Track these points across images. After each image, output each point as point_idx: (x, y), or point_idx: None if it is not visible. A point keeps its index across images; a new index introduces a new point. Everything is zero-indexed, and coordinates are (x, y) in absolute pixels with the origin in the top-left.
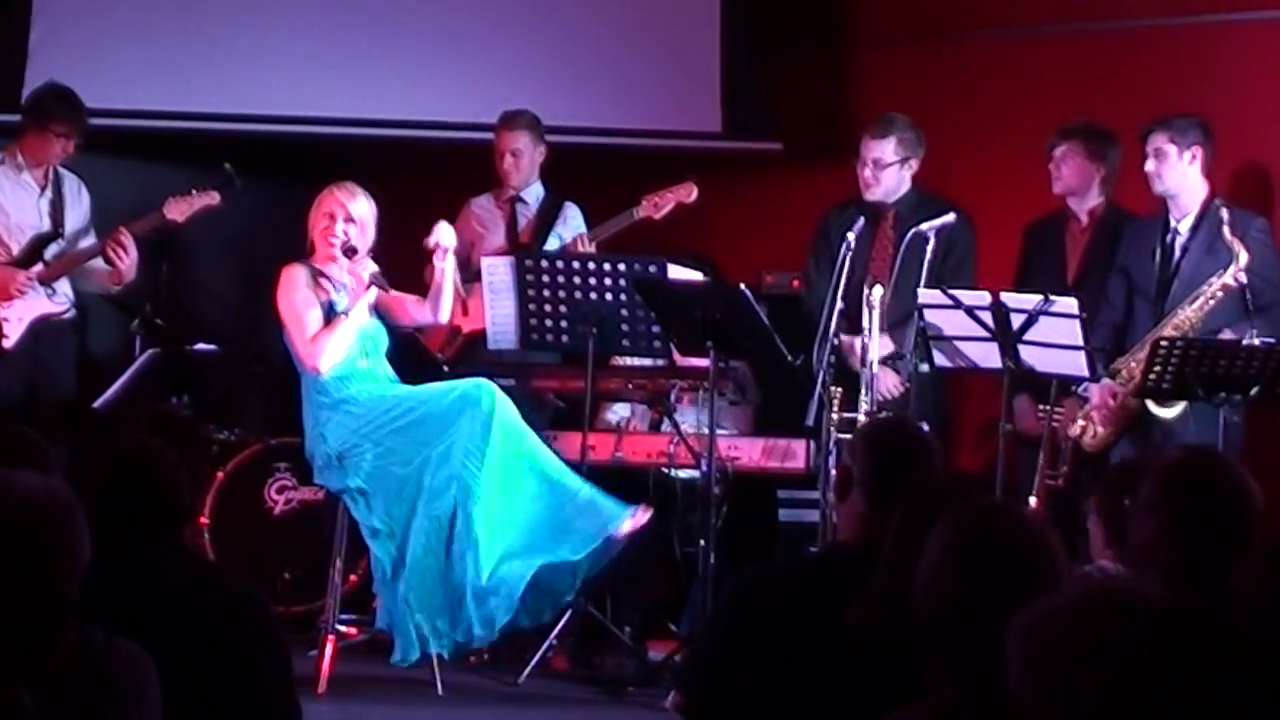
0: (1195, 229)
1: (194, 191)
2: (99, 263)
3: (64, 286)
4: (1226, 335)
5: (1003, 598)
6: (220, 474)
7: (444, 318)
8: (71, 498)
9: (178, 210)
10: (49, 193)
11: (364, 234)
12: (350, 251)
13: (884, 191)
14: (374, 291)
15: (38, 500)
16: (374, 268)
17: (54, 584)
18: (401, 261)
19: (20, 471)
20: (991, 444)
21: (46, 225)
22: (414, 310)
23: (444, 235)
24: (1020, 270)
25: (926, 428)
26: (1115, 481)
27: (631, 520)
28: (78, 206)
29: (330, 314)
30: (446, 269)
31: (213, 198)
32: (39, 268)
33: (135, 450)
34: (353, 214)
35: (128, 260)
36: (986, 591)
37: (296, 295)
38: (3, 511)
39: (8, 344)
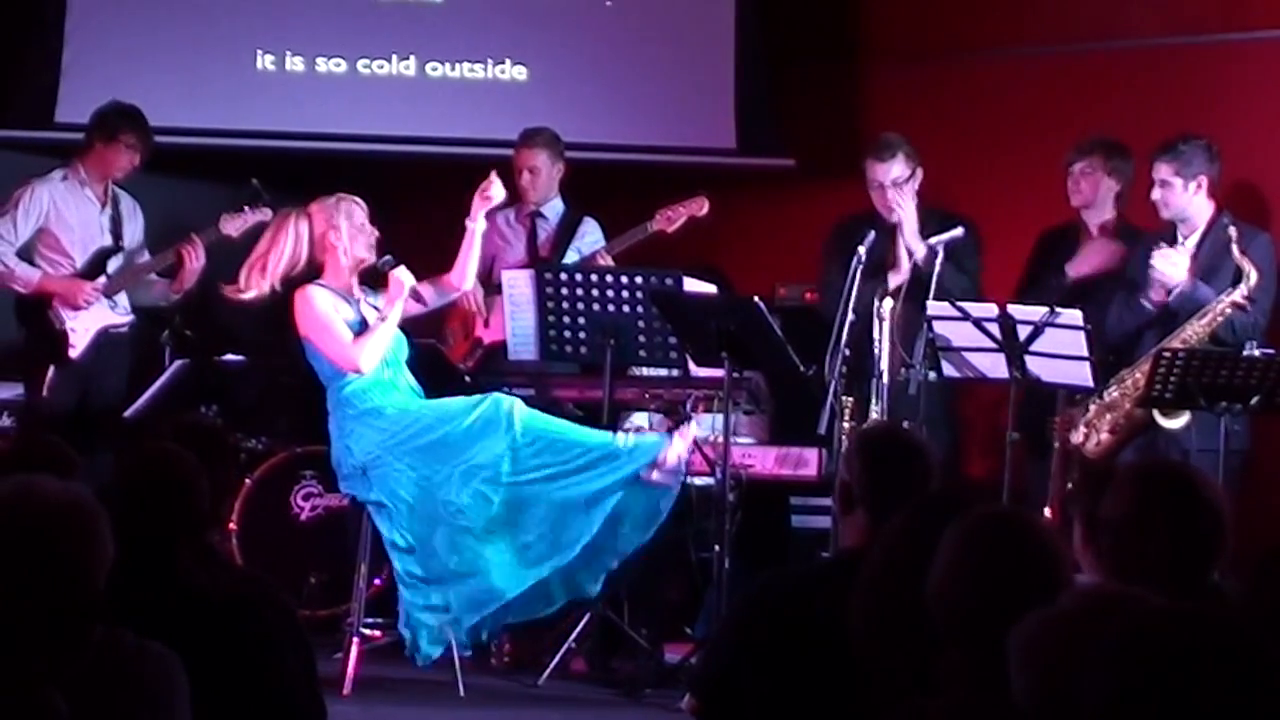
0: (1201, 245)
1: (246, 209)
2: (154, 275)
3: (122, 299)
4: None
5: (1013, 602)
6: (248, 481)
7: (469, 284)
8: (91, 499)
9: (233, 225)
10: (109, 208)
11: None
12: (388, 265)
13: (908, 210)
14: (404, 298)
15: (56, 502)
16: (412, 280)
17: (77, 584)
18: (424, 273)
19: (39, 476)
20: (999, 453)
21: (108, 240)
22: (438, 291)
23: (496, 190)
24: (1027, 272)
25: (907, 425)
26: (1094, 483)
27: (673, 446)
28: (134, 223)
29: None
30: (477, 230)
31: (265, 214)
32: (102, 280)
33: (155, 456)
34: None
35: (198, 263)
36: (997, 595)
37: (321, 310)
38: (23, 516)
39: (75, 354)
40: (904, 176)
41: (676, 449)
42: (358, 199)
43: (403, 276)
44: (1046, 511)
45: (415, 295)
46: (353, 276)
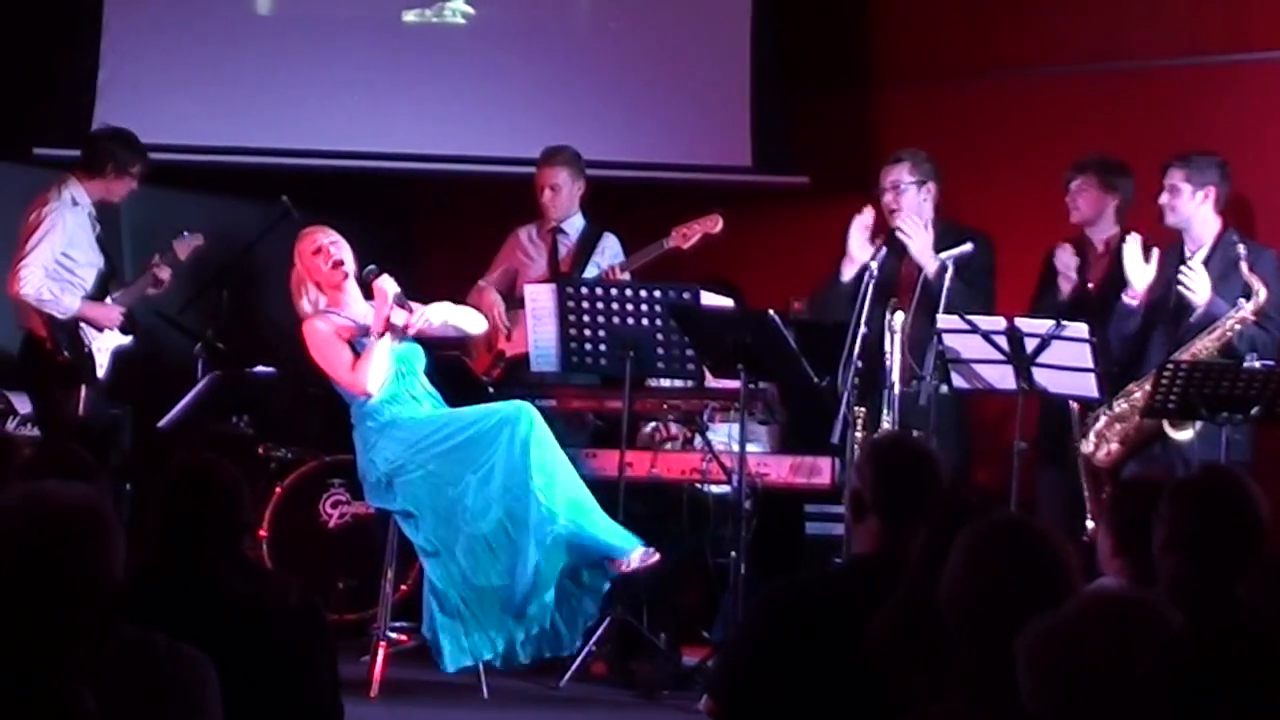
0: (1208, 261)
1: (186, 234)
2: None
3: None
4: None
5: (1022, 606)
6: (278, 489)
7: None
8: (99, 500)
9: (182, 249)
10: (96, 228)
11: (349, 256)
12: (371, 274)
13: (906, 215)
14: (390, 308)
15: (65, 506)
16: (396, 288)
17: (92, 583)
18: (441, 285)
19: (47, 482)
20: (1006, 462)
21: (101, 260)
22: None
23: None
24: (1041, 281)
25: (917, 434)
26: (1125, 494)
27: (641, 555)
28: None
29: (356, 352)
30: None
31: (199, 239)
32: (110, 301)
33: (197, 466)
34: (334, 239)
35: (164, 282)
36: (1006, 600)
37: (323, 344)
38: (33, 521)
39: (100, 373)
40: (904, 183)
41: (635, 561)
42: (310, 228)
43: (385, 285)
44: (1089, 524)
45: (400, 302)
46: (334, 291)
